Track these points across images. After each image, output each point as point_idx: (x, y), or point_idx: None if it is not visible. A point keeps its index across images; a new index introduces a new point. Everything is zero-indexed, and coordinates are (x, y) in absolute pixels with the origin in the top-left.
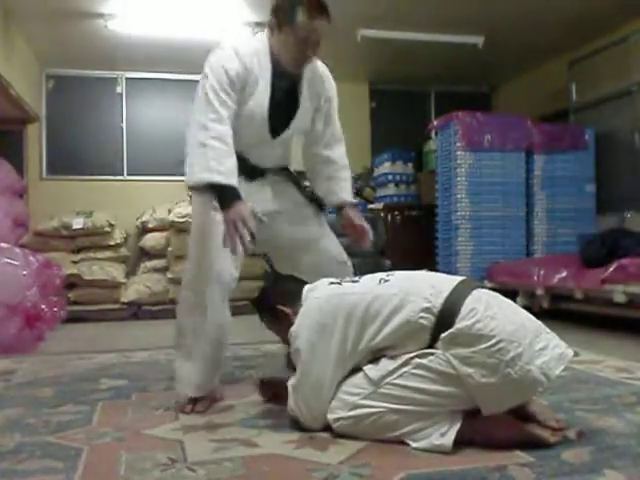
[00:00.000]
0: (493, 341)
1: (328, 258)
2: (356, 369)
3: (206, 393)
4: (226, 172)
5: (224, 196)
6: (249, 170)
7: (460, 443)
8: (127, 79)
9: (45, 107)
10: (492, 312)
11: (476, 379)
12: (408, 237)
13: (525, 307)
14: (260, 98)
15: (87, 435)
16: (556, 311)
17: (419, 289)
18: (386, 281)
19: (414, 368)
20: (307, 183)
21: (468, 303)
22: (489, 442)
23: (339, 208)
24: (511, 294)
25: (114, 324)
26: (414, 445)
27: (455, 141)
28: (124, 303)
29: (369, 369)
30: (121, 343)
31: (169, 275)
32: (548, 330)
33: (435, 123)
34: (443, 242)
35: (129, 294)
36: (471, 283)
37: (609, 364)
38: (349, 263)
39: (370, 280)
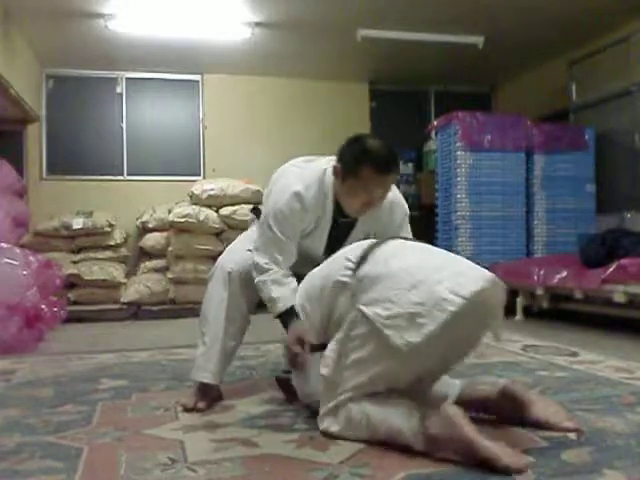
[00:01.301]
0: (391, 276)
1: None
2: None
3: (217, 382)
4: (284, 296)
5: (285, 317)
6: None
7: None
8: (127, 79)
9: (45, 107)
10: (394, 253)
11: (381, 313)
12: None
13: (525, 307)
14: (318, 239)
15: (87, 435)
16: (556, 311)
17: (345, 250)
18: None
19: (344, 344)
20: None
21: (376, 251)
22: (434, 449)
23: None
24: (511, 294)
25: (114, 324)
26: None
27: (455, 141)
28: (124, 303)
29: (321, 368)
30: (121, 343)
31: (169, 275)
32: (468, 262)
33: (435, 123)
34: (443, 242)
35: (129, 294)
36: (391, 237)
37: (609, 364)
38: None
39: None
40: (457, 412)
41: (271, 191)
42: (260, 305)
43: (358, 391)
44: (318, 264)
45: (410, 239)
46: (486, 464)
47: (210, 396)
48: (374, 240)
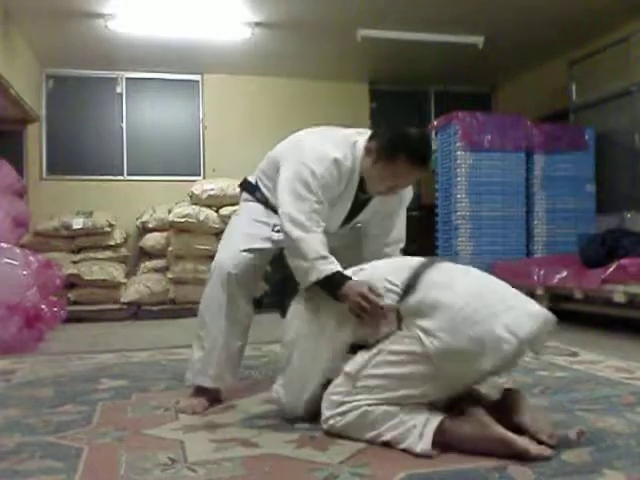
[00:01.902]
0: (447, 306)
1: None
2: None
3: (216, 386)
4: (335, 260)
5: (338, 279)
6: None
7: (437, 448)
8: (127, 79)
9: (45, 107)
10: (450, 279)
11: (436, 344)
12: (408, 237)
13: None
14: (339, 211)
15: (87, 435)
16: (556, 311)
17: (384, 272)
18: (362, 270)
19: (385, 355)
20: None
21: (427, 275)
22: (464, 447)
23: None
24: None
25: (114, 324)
26: (400, 447)
27: (455, 141)
28: (124, 303)
29: (346, 365)
30: (121, 343)
31: (169, 275)
32: (525, 296)
33: (435, 123)
34: (443, 242)
35: (129, 294)
36: (435, 259)
37: (609, 364)
38: None
39: (349, 272)
40: (484, 414)
41: (303, 148)
42: (259, 305)
43: (380, 402)
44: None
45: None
46: (517, 456)
47: (209, 399)
48: (414, 260)
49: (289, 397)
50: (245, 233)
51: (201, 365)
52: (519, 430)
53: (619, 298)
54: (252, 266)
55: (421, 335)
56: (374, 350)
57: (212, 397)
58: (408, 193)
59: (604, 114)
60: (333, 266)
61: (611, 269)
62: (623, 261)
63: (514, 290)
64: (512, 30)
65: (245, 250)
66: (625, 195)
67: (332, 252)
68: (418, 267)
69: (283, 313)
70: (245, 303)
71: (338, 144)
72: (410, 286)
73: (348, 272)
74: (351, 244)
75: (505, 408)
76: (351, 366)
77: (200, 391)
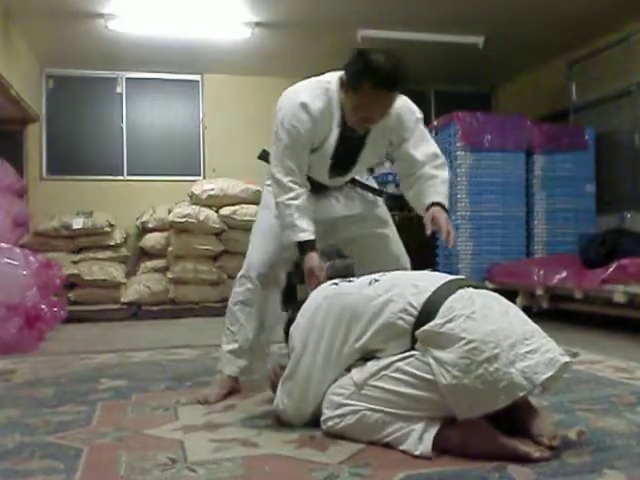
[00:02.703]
0: (464, 341)
1: (391, 261)
2: (346, 372)
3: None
4: (307, 229)
5: (304, 247)
6: (315, 187)
7: (436, 450)
8: (127, 79)
9: (45, 107)
10: (470, 311)
11: (448, 379)
12: (408, 237)
13: (525, 307)
14: (325, 151)
15: (87, 435)
16: (556, 311)
17: (403, 289)
18: (377, 281)
19: (393, 371)
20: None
21: (448, 302)
22: (465, 452)
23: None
24: (511, 294)
25: (114, 324)
26: (399, 448)
27: (455, 141)
28: (124, 303)
29: (355, 372)
30: (121, 343)
31: (169, 275)
32: (544, 335)
33: (435, 123)
34: (443, 242)
35: (129, 294)
36: (460, 282)
37: (609, 364)
38: (409, 268)
39: (363, 281)
40: (481, 421)
41: (279, 106)
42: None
43: (382, 412)
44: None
45: (430, 157)
46: (517, 459)
47: (230, 389)
48: (437, 279)
49: (294, 409)
50: (271, 233)
51: (232, 356)
52: (519, 432)
53: (619, 298)
54: (281, 264)
55: (433, 365)
56: (384, 362)
57: (234, 388)
58: (407, 114)
59: (604, 114)
60: (303, 235)
61: (611, 269)
62: (623, 261)
63: (534, 326)
64: (512, 30)
65: (273, 251)
66: (625, 195)
67: (347, 243)
68: (440, 292)
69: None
70: (273, 305)
71: (308, 88)
72: (428, 312)
73: (364, 279)
74: (370, 246)
75: (506, 409)
76: (359, 374)
77: (225, 381)
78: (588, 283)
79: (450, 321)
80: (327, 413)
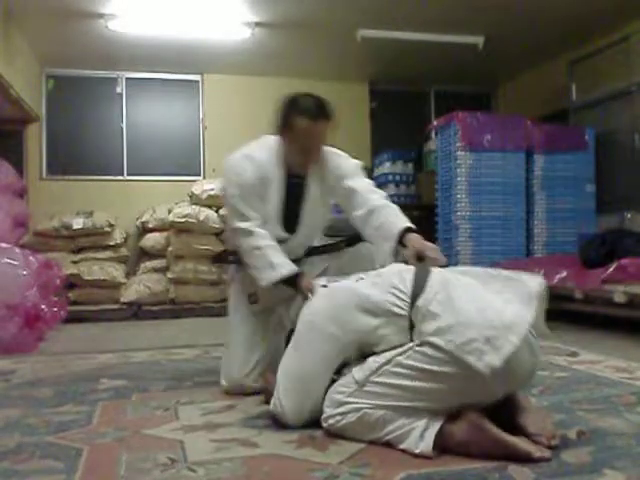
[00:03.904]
0: (455, 305)
1: None
2: (347, 371)
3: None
4: (287, 262)
5: (292, 279)
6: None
7: (437, 448)
8: (127, 79)
9: (45, 107)
10: (450, 296)
11: (458, 341)
12: None
13: None
14: (273, 203)
15: (87, 435)
16: (556, 311)
17: (388, 279)
18: (362, 279)
19: (394, 366)
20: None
21: (430, 282)
22: (467, 450)
23: (401, 241)
24: None
25: (114, 324)
26: (400, 447)
27: (455, 141)
28: (124, 303)
29: (356, 370)
30: (121, 343)
31: (169, 275)
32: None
33: (435, 123)
34: (443, 242)
35: (129, 294)
36: (427, 266)
37: (609, 364)
38: None
39: (350, 279)
40: (482, 418)
41: (225, 168)
42: None
43: (385, 409)
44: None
45: (373, 189)
46: (518, 458)
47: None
48: (416, 268)
49: (292, 411)
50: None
51: None
52: (519, 431)
53: (619, 298)
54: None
55: (434, 340)
56: (385, 359)
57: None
58: (344, 160)
59: (604, 114)
60: (285, 270)
61: (611, 269)
62: (623, 261)
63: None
64: (512, 30)
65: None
66: (625, 195)
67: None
68: (419, 272)
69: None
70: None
71: (249, 146)
72: (417, 292)
73: (352, 278)
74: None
75: (506, 408)
76: (360, 372)
77: None
78: (588, 283)
79: (436, 294)
80: (328, 411)
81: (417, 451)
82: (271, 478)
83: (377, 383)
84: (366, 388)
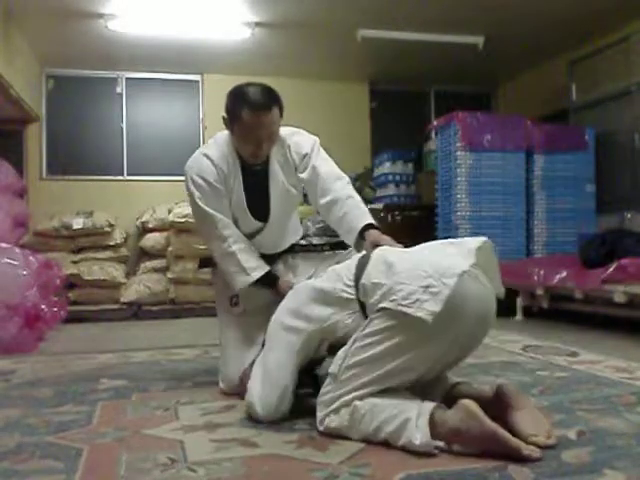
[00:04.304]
0: (391, 271)
1: None
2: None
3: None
4: (259, 264)
5: (267, 280)
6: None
7: (434, 437)
8: (127, 79)
9: (45, 107)
10: (389, 262)
11: (399, 298)
12: (408, 237)
13: (525, 307)
14: (237, 194)
15: (87, 435)
16: (556, 311)
17: (339, 270)
18: (321, 276)
19: (357, 343)
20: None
21: (370, 261)
22: (457, 439)
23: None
24: (511, 294)
25: (114, 324)
26: (399, 444)
27: (455, 141)
28: (124, 303)
29: (331, 368)
30: (121, 343)
31: (169, 275)
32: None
33: (435, 123)
34: None
35: (129, 294)
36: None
37: (609, 364)
38: None
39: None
40: (476, 406)
41: (185, 170)
42: None
43: (366, 388)
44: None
45: (335, 173)
46: (506, 454)
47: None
48: (354, 257)
49: (261, 399)
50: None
51: None
52: (516, 430)
53: (619, 298)
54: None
55: (380, 306)
56: (348, 344)
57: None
58: (302, 140)
59: (604, 114)
60: (258, 273)
61: (611, 269)
62: (623, 261)
63: (442, 264)
64: (512, 30)
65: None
66: (625, 195)
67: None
68: (361, 257)
69: None
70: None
71: (205, 146)
72: (359, 274)
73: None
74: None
75: (501, 405)
76: (333, 366)
77: None
78: (588, 283)
79: (373, 269)
80: (320, 415)
81: (417, 443)
82: (271, 478)
83: (349, 367)
84: (342, 377)
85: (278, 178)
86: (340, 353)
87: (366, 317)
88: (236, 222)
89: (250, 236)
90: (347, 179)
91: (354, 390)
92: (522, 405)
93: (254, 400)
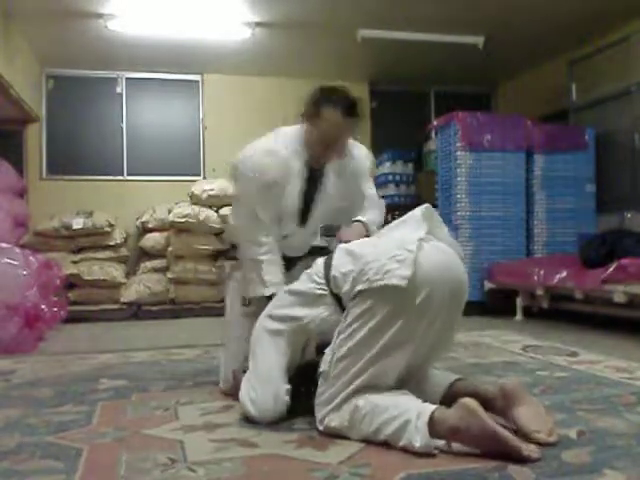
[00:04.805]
0: (356, 257)
1: None
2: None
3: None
4: (279, 281)
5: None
6: (285, 262)
7: (433, 437)
8: (127, 79)
9: (45, 107)
10: (351, 251)
11: (371, 275)
12: None
13: (525, 307)
14: (292, 197)
15: (87, 435)
16: (556, 311)
17: (311, 271)
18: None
19: (342, 334)
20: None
21: (335, 257)
22: (457, 437)
23: None
24: (511, 294)
25: (114, 324)
26: (399, 445)
27: (455, 141)
28: (124, 303)
29: (321, 370)
30: (121, 343)
31: (169, 275)
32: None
33: (435, 123)
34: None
35: (129, 294)
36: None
37: (609, 364)
38: None
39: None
40: (476, 405)
41: (238, 163)
42: None
43: (361, 376)
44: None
45: (376, 203)
46: (506, 454)
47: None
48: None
49: (258, 399)
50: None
51: None
52: (519, 426)
53: (619, 298)
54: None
55: (356, 289)
56: (334, 338)
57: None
58: (362, 153)
59: (604, 114)
60: (273, 289)
61: (611, 269)
62: (623, 261)
63: (402, 240)
64: (512, 30)
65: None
66: (625, 195)
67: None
68: (326, 258)
69: None
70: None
71: (264, 141)
72: (327, 269)
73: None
74: None
75: (505, 400)
76: (323, 364)
77: None
78: (588, 283)
79: (339, 261)
80: (320, 415)
81: (417, 444)
82: (271, 478)
83: (339, 359)
84: (334, 372)
85: (330, 186)
86: (327, 350)
87: (343, 309)
88: (278, 222)
89: (284, 237)
90: (383, 206)
91: (350, 382)
92: (525, 401)
93: (249, 406)
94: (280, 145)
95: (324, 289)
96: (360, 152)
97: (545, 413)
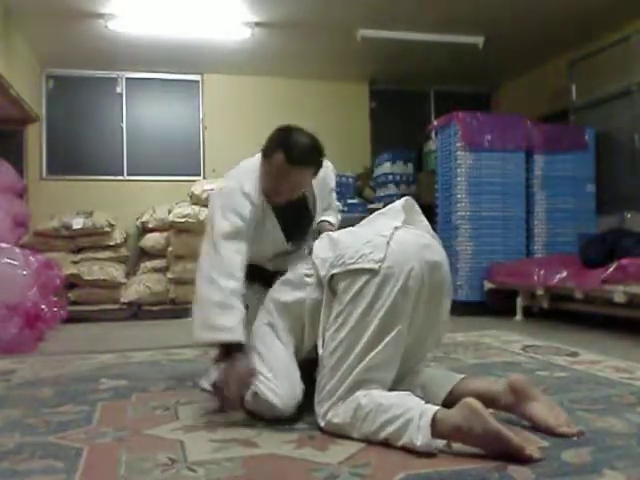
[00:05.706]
0: (334, 248)
1: None
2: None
3: None
4: (232, 327)
5: (230, 349)
6: (268, 277)
7: (435, 436)
8: (127, 79)
9: (45, 107)
10: (332, 238)
11: (348, 262)
12: None
13: (525, 307)
14: (273, 220)
15: (87, 435)
16: (556, 311)
17: (299, 264)
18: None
19: (333, 325)
20: None
21: (316, 243)
22: (459, 437)
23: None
24: (511, 294)
25: (114, 324)
26: (399, 444)
27: (455, 141)
28: (124, 303)
29: (316, 373)
30: (121, 343)
31: (169, 275)
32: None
33: (435, 123)
34: (443, 242)
35: (129, 294)
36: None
37: (609, 364)
38: None
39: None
40: (479, 405)
41: (216, 195)
42: None
43: (360, 365)
44: (286, 254)
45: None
46: (509, 454)
47: None
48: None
49: (282, 391)
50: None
51: None
52: (536, 423)
53: (619, 298)
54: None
55: (333, 272)
56: (324, 335)
57: None
58: (330, 174)
59: (604, 114)
60: (229, 336)
61: (611, 269)
62: (623, 261)
63: (381, 230)
64: (512, 30)
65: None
66: (625, 195)
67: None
68: (313, 246)
69: None
70: None
71: (236, 175)
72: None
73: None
74: None
75: (515, 396)
76: (320, 360)
77: None
78: (588, 283)
79: (321, 253)
80: (321, 411)
81: (418, 443)
82: (271, 478)
83: (331, 353)
84: (331, 363)
85: (317, 202)
86: (318, 347)
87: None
88: (257, 248)
89: (275, 256)
90: (338, 215)
91: (348, 374)
92: (536, 396)
93: (272, 398)
94: (247, 183)
95: (311, 273)
96: (326, 172)
97: (557, 408)
